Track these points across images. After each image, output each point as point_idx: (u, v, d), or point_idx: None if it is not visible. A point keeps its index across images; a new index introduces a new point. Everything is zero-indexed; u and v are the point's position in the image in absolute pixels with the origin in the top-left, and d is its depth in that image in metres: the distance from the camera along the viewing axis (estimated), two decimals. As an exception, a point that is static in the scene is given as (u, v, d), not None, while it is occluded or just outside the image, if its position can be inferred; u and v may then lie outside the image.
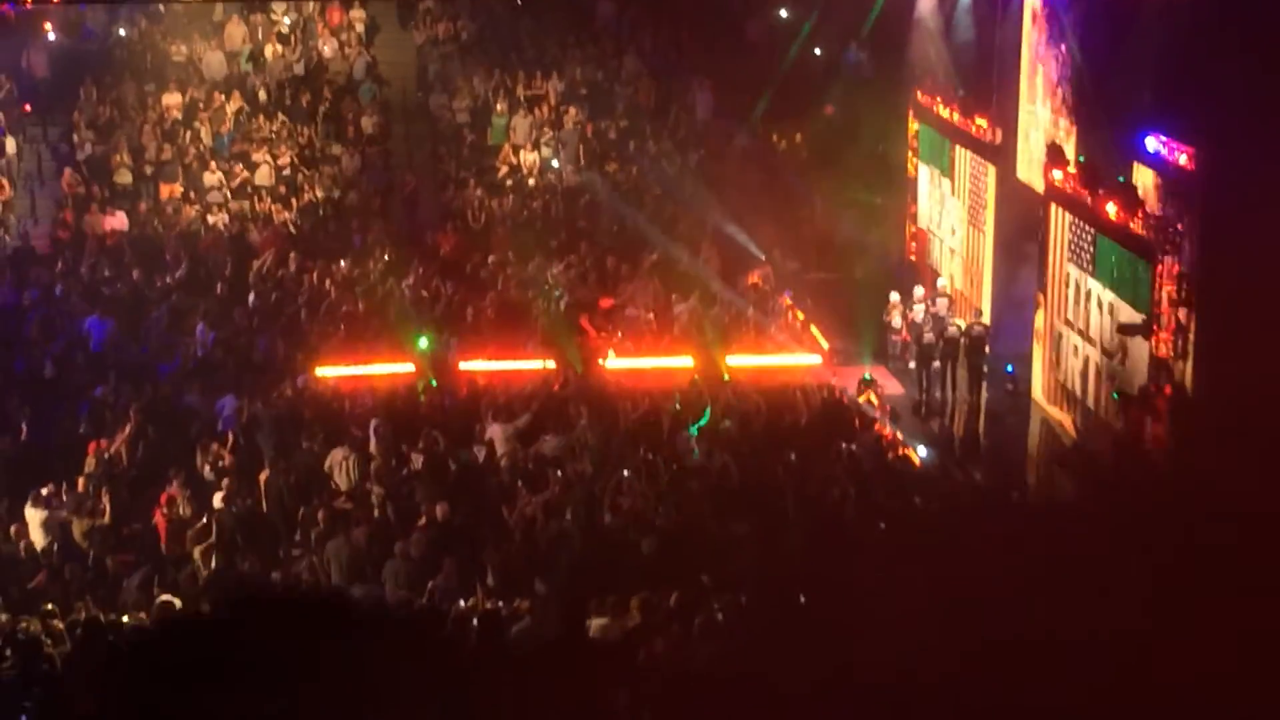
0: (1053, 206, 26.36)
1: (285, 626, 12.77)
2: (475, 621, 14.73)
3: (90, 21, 37.26)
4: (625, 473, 21.30)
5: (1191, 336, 21.77)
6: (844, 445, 23.15)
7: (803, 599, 11.93)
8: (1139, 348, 22.88)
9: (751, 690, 7.75)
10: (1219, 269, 21.25)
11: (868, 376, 27.09)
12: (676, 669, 11.34)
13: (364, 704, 8.69)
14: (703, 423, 23.75)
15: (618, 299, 30.25)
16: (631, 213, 34.11)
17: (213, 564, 20.15)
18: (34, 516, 21.07)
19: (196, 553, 20.33)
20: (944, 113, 32.47)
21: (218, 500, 21.30)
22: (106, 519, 21.23)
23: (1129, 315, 23.04)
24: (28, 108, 36.08)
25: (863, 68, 37.17)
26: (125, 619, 17.33)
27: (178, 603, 17.10)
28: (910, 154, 35.01)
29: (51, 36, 36.88)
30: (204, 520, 20.79)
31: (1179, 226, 21.89)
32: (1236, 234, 20.71)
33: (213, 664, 9.68)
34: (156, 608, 17.08)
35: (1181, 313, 21.82)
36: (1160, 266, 21.99)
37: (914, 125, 34.76)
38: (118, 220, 33.56)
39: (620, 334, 28.98)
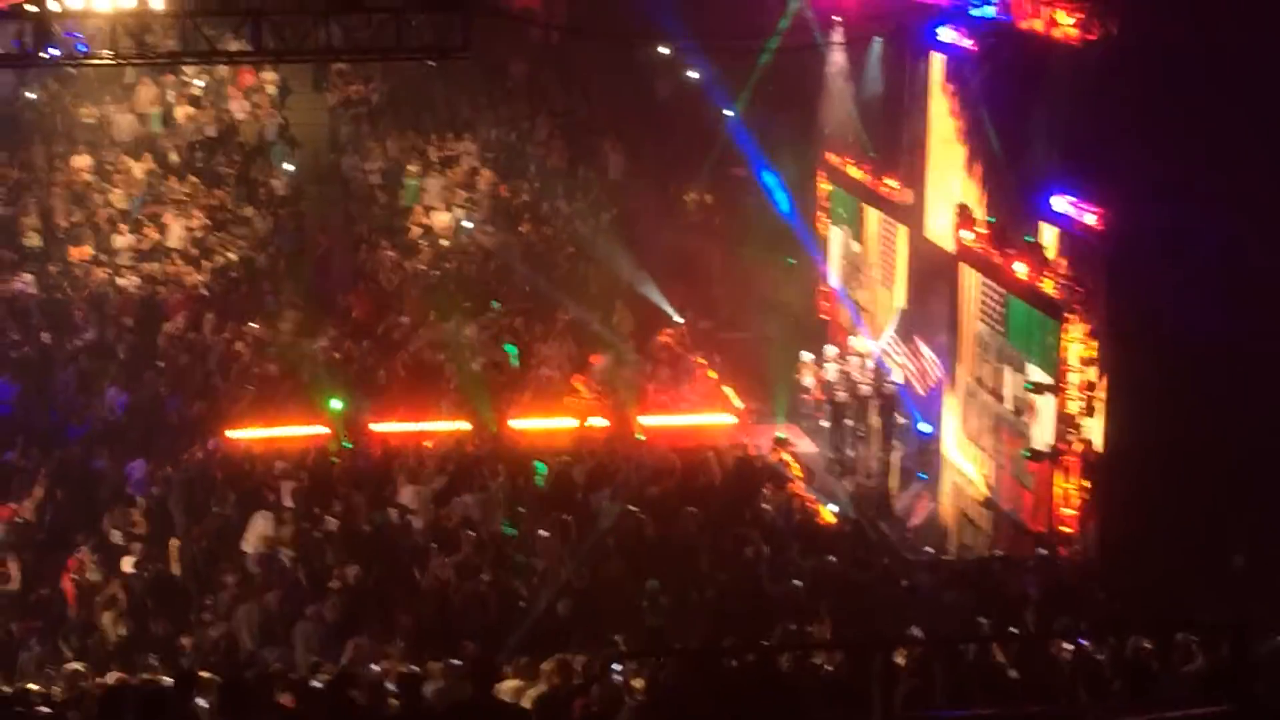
0: (962, 266, 26.59)
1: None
2: (389, 685, 14.59)
3: (-2, 84, 37.02)
4: (541, 533, 21.22)
5: (1100, 394, 21.97)
6: (758, 504, 23.19)
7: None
8: (1047, 405, 23.05)
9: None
10: (1126, 327, 21.50)
11: (781, 435, 27.16)
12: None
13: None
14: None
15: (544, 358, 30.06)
16: (544, 273, 34.10)
17: (121, 630, 19.90)
18: (-60, 584, 20.77)
19: (105, 618, 20.07)
20: (855, 173, 32.72)
21: (127, 565, 21.05)
22: (15, 585, 20.92)
23: (1038, 374, 23.24)
24: (-66, 172, 35.72)
25: (773, 128, 37.37)
26: (31, 688, 17.02)
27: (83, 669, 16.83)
28: (821, 214, 35.23)
29: (-42, 100, 36.62)
30: (113, 585, 20.53)
31: (1087, 285, 22.13)
32: (1143, 293, 20.96)
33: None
34: (64, 676, 16.79)
35: (1090, 371, 22.03)
36: (1068, 325, 22.21)
37: (825, 186, 34.99)
38: (25, 283, 33.19)
39: (620, 393, 28.79)
